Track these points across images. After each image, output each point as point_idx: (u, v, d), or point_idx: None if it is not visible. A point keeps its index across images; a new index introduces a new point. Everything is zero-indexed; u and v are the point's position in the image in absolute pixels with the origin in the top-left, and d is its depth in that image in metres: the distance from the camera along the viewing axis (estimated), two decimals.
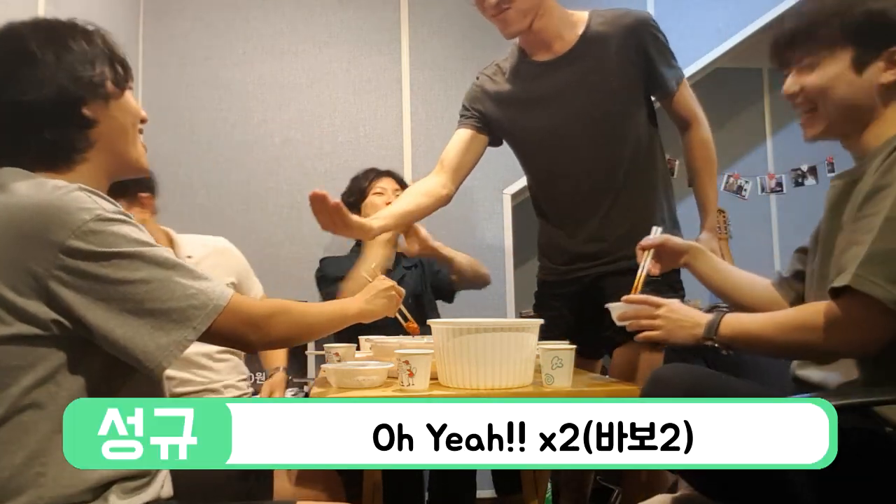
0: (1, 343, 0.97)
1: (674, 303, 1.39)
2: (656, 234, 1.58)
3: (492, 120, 1.99)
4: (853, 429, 1.13)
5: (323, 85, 3.04)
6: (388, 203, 2.34)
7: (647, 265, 1.52)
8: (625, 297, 1.44)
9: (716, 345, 1.30)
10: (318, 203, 1.54)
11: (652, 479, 1.88)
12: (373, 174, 2.56)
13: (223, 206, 2.94)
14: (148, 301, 1.00)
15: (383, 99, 3.06)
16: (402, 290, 1.59)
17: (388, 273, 2.39)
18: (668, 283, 1.74)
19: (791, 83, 1.33)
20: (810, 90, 1.29)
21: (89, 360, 1.01)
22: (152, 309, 1.00)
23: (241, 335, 1.10)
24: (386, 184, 2.52)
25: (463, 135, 2.00)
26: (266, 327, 1.13)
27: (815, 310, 1.18)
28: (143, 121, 1.17)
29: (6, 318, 0.97)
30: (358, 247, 2.52)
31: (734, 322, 1.28)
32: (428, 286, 2.50)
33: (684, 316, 1.36)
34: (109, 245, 0.99)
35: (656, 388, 1.20)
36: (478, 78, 2.04)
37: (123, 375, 1.04)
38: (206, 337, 1.05)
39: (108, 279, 0.98)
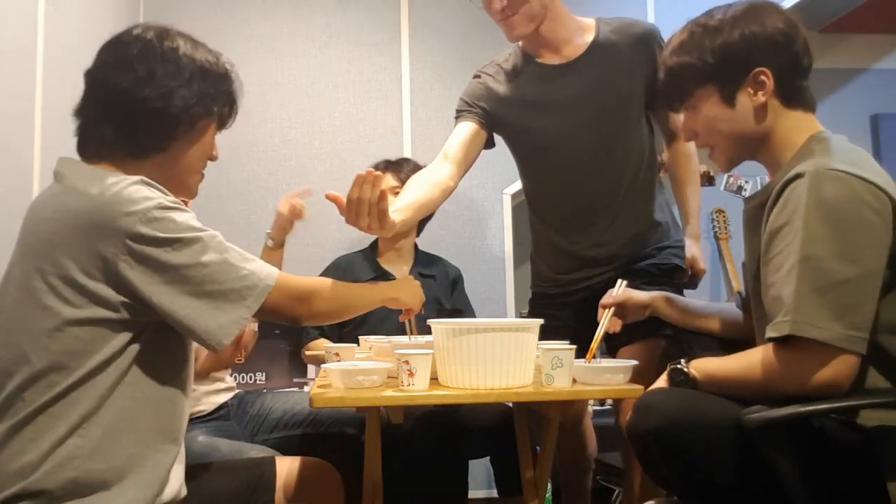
0: (74, 325, 1.05)
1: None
2: (620, 290, 1.59)
3: (495, 119, 1.96)
4: (830, 431, 1.15)
5: (323, 85, 3.04)
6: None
7: (605, 323, 1.54)
8: (585, 360, 1.45)
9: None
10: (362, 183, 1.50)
11: (651, 481, 1.88)
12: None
13: (223, 206, 2.94)
14: (207, 283, 1.09)
15: (383, 99, 3.06)
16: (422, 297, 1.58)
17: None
18: (674, 285, 1.74)
19: (685, 130, 1.41)
20: (700, 132, 1.37)
21: (151, 346, 1.11)
22: (211, 290, 1.10)
23: (289, 310, 1.22)
24: (384, 184, 2.46)
25: (467, 128, 1.95)
26: (310, 301, 1.25)
27: (765, 352, 1.17)
28: (212, 159, 1.29)
29: (79, 300, 1.05)
30: (371, 249, 2.47)
31: (700, 366, 1.26)
32: (451, 296, 2.46)
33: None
34: (171, 231, 1.07)
35: (644, 417, 1.21)
36: (479, 76, 2.01)
37: (175, 364, 1.15)
38: (259, 314, 1.16)
39: (170, 263, 1.07)
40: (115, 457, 1.07)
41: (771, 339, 1.15)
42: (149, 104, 1.13)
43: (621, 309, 1.58)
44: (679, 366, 1.27)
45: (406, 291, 1.54)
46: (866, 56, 4.19)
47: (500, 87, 1.96)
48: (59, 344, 1.05)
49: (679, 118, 1.96)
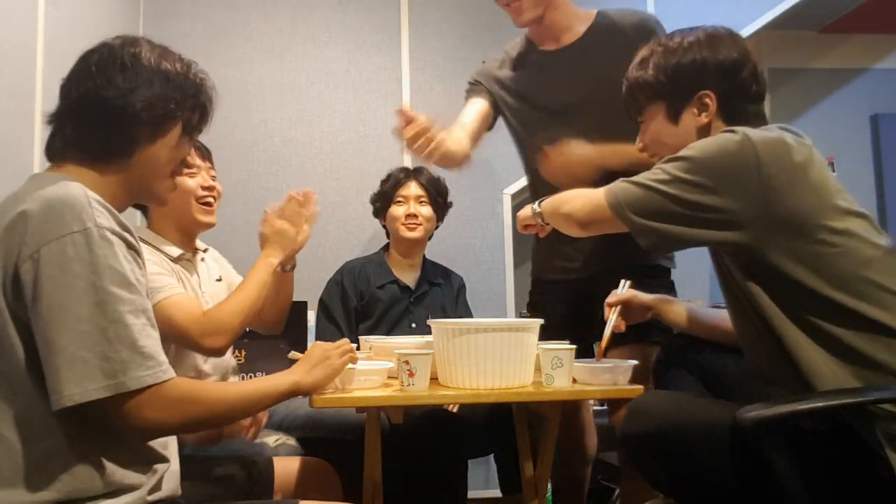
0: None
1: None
2: (624, 289, 1.62)
3: (500, 101, 2.02)
4: (824, 430, 1.15)
5: (323, 85, 3.04)
6: (409, 214, 2.33)
7: (613, 322, 1.56)
8: (595, 360, 1.50)
9: None
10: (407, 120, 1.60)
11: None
12: (394, 179, 2.43)
13: (223, 206, 2.92)
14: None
15: (383, 99, 3.05)
16: (355, 357, 1.37)
17: (410, 291, 2.38)
18: (666, 287, 1.74)
19: (638, 139, 1.50)
20: (649, 145, 1.47)
21: None
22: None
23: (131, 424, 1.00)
24: (407, 191, 2.38)
25: (480, 104, 2.01)
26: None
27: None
28: (187, 166, 1.24)
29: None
30: (382, 255, 2.46)
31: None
32: (456, 306, 2.45)
33: None
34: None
35: (637, 421, 1.21)
36: (485, 62, 2.08)
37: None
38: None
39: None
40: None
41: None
42: (109, 104, 1.09)
43: (625, 309, 1.60)
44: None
45: (315, 373, 1.28)
46: (866, 56, 4.19)
47: (505, 73, 2.02)
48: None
49: None
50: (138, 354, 0.97)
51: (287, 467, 1.50)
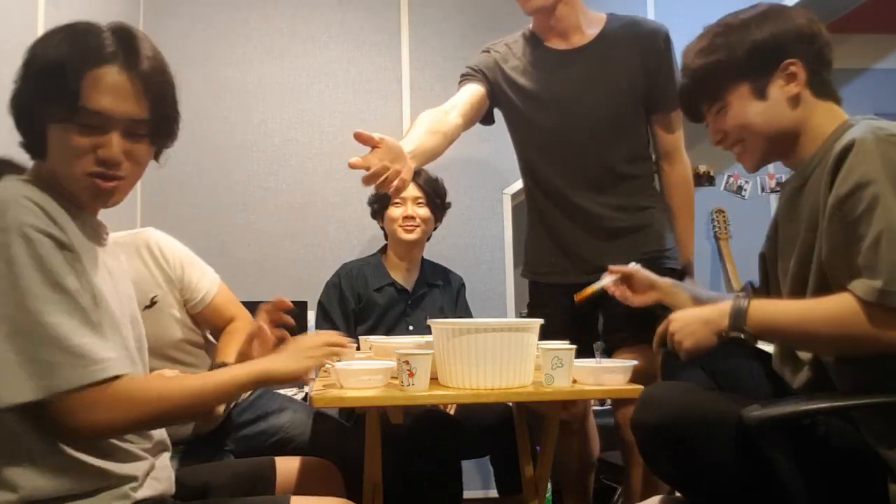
0: None
1: (674, 314, 1.36)
2: (632, 266, 1.63)
3: (498, 93, 1.99)
4: (828, 430, 1.15)
5: (323, 85, 3.04)
6: (406, 216, 2.32)
7: (606, 282, 1.60)
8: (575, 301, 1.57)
9: (742, 336, 1.24)
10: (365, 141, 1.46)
11: (652, 479, 1.88)
12: None
13: (223, 206, 2.94)
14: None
15: (383, 99, 3.05)
16: (340, 353, 1.31)
17: (407, 293, 2.38)
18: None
19: (713, 132, 1.40)
20: (731, 131, 1.36)
21: None
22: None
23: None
24: (404, 193, 2.31)
25: (475, 90, 1.96)
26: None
27: (851, 306, 1.13)
28: (102, 160, 1.05)
29: None
30: (379, 256, 2.45)
31: (761, 313, 1.22)
32: (455, 306, 2.45)
33: (692, 317, 1.32)
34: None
35: (649, 410, 1.21)
36: (488, 51, 2.03)
37: None
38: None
39: None
40: None
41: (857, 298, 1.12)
42: (14, 101, 1.06)
43: (629, 280, 1.60)
44: (735, 334, 1.22)
45: (287, 362, 1.19)
46: (866, 56, 4.19)
47: (506, 66, 1.98)
48: None
49: (677, 134, 1.97)
50: (69, 354, 0.94)
51: (290, 468, 1.50)
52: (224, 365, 1.49)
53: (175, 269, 1.74)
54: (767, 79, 1.30)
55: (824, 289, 1.20)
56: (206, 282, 1.80)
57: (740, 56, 1.30)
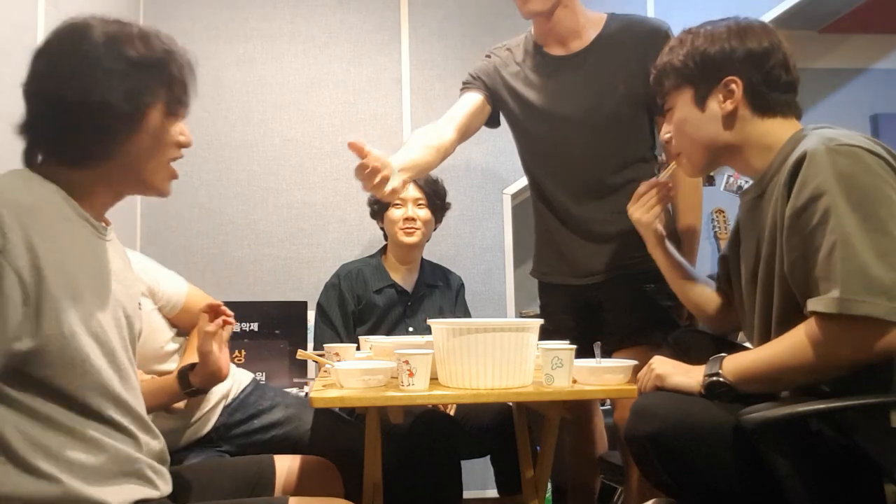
0: None
1: (657, 358, 1.39)
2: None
3: (499, 100, 1.99)
4: (827, 432, 1.15)
5: (323, 85, 3.04)
6: (407, 218, 2.31)
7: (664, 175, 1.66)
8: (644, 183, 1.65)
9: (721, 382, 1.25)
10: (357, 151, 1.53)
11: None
12: None
13: (223, 206, 2.94)
14: None
15: (383, 99, 3.05)
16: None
17: (407, 295, 2.37)
18: (666, 291, 1.74)
19: (664, 131, 1.49)
20: (673, 134, 1.45)
21: None
22: None
23: None
24: (405, 194, 2.34)
25: (474, 99, 1.96)
26: None
27: (812, 329, 1.15)
28: (182, 145, 1.16)
29: None
30: (378, 257, 2.45)
31: (734, 365, 1.25)
32: (455, 307, 2.44)
33: (675, 365, 1.35)
34: None
35: (642, 422, 1.21)
36: (489, 56, 2.03)
37: None
38: None
39: None
40: None
41: (815, 314, 1.14)
42: (72, 105, 1.04)
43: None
44: (715, 377, 1.24)
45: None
46: (866, 56, 4.19)
47: (507, 72, 1.98)
48: None
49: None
50: None
51: (289, 466, 1.50)
52: (192, 366, 1.49)
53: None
54: (709, 90, 1.37)
55: (789, 298, 1.23)
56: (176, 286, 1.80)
57: (691, 64, 1.38)
